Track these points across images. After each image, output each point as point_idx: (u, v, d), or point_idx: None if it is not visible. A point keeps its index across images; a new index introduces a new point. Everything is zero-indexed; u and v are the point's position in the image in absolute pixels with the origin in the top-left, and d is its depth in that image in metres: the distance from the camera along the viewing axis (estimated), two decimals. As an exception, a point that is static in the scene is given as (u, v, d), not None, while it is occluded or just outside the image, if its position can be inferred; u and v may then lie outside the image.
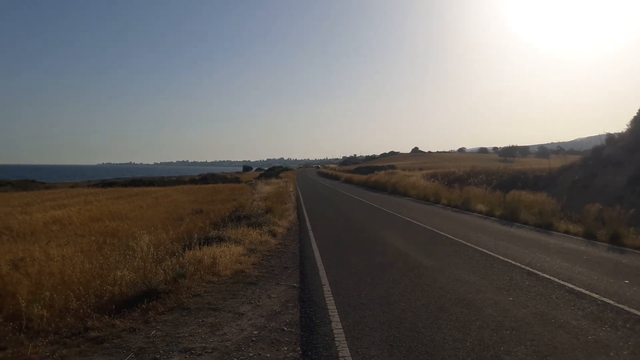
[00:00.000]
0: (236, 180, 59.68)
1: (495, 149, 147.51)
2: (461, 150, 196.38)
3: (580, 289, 7.08)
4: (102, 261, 7.76)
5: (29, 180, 57.02)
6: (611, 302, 6.43)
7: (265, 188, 30.07)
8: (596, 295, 6.74)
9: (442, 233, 13.12)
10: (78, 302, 5.93)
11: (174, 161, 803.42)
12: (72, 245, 9.32)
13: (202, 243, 9.82)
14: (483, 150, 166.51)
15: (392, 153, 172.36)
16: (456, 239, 12.06)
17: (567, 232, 13.12)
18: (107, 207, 20.06)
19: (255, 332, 5.45)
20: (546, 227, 14.05)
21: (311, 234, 13.35)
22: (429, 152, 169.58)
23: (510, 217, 16.27)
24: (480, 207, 19.19)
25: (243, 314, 6.16)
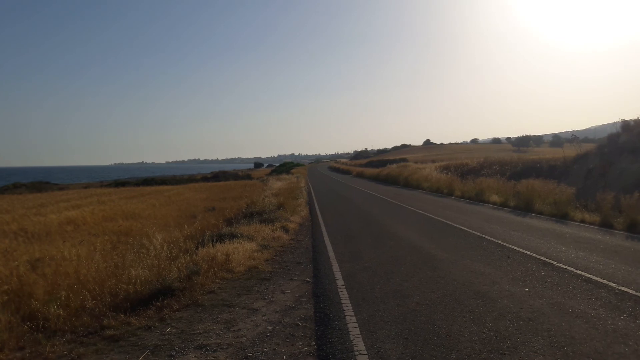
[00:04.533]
0: (247, 177, 59.99)
1: (508, 139, 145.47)
2: (474, 141, 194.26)
3: (598, 279, 6.97)
4: (117, 260, 7.84)
5: (42, 182, 57.74)
6: (630, 290, 6.32)
7: (277, 184, 30.18)
8: (614, 285, 6.63)
9: (455, 225, 13.02)
10: (94, 301, 5.99)
11: (186, 159, 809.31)
12: (87, 245, 9.40)
13: (215, 240, 9.84)
14: (496, 141, 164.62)
15: (403, 146, 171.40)
16: (470, 230, 11.95)
17: (583, 221, 12.95)
18: (120, 206, 20.23)
19: (270, 328, 5.46)
20: (562, 216, 13.87)
21: (323, 228, 13.33)
22: (441, 144, 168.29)
23: (525, 207, 16.10)
24: (494, 198, 19.03)
25: (257, 309, 6.16)
